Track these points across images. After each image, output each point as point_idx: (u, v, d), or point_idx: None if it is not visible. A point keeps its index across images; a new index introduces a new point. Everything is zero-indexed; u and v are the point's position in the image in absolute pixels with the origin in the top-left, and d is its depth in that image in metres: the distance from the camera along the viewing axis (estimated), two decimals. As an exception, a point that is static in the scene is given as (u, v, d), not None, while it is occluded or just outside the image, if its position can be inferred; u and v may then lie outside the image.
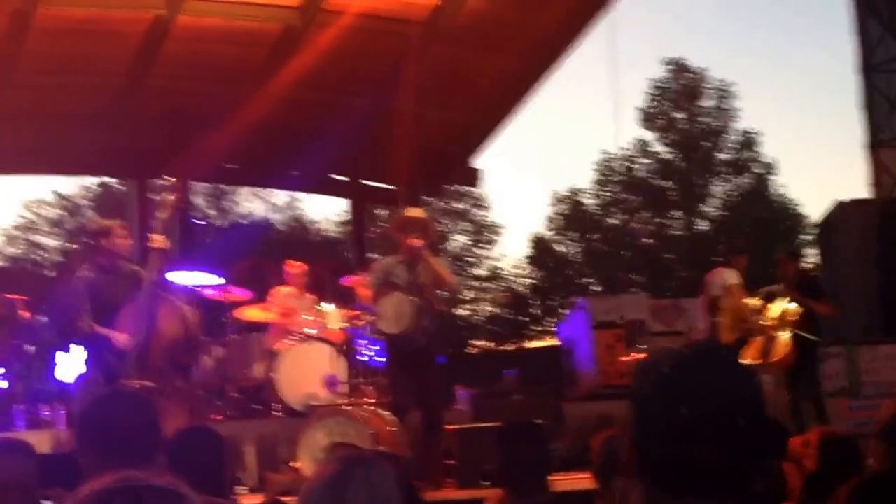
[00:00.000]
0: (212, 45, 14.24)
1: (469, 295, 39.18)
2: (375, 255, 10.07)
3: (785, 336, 10.71)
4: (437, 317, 9.98)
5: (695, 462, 1.98)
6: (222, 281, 11.98)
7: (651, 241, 35.16)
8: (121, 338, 8.27)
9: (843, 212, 15.18)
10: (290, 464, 9.18)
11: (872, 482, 3.69)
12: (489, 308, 40.00)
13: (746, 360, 10.44)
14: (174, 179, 8.67)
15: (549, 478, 4.91)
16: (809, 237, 35.13)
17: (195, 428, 4.94)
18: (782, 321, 10.75)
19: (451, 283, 10.18)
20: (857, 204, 15.41)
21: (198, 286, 11.83)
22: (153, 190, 18.41)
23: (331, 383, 10.26)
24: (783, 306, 10.82)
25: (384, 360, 9.97)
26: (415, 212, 10.20)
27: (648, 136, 39.03)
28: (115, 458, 3.66)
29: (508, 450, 4.81)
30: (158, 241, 8.40)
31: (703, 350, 2.13)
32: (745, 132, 38.74)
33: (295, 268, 12.44)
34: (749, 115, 44.89)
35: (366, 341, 10.51)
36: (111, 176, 28.71)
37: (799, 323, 10.70)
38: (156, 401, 4.16)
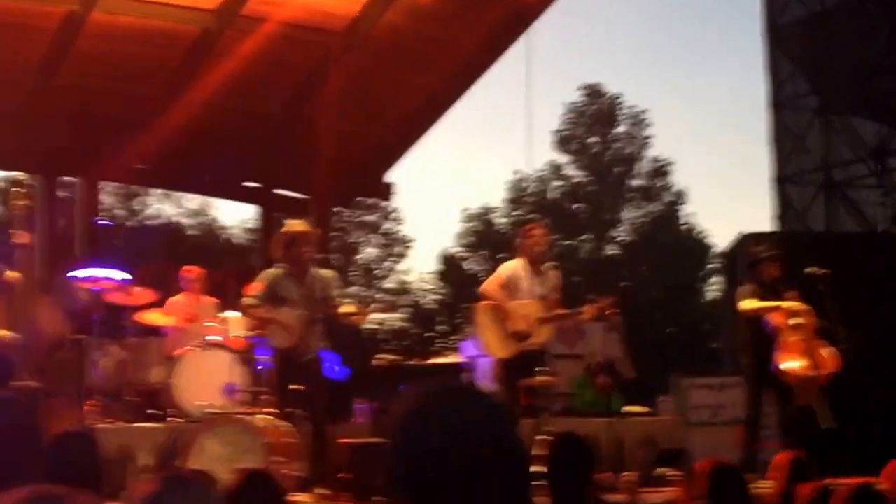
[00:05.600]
0: (126, 44, 14.09)
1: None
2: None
3: (824, 345, 10.20)
4: (330, 329, 10.03)
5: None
6: (125, 283, 11.84)
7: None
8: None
9: (747, 244, 15.38)
10: (184, 471, 9.09)
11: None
12: (399, 322, 39.96)
13: (798, 370, 10.13)
14: (26, 176, 8.51)
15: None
16: (715, 267, 35.59)
17: (69, 432, 4.87)
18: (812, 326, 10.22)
19: (335, 302, 10.07)
20: (760, 236, 15.65)
21: (100, 287, 11.69)
22: (61, 187, 18.23)
23: (229, 391, 10.18)
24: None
25: (272, 368, 9.95)
26: (300, 225, 10.15)
27: (562, 159, 39.39)
28: None
29: None
30: (19, 237, 8.21)
31: (440, 395, 2.14)
32: (657, 160, 39.21)
33: (190, 273, 12.36)
34: (661, 144, 45.44)
35: (267, 350, 10.45)
36: (18, 171, 28.28)
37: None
38: (40, 403, 4.08)
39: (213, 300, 12.12)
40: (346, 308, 10.12)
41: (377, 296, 37.79)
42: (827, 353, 10.18)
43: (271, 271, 9.89)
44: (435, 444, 2.03)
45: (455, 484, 2.00)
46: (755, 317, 10.41)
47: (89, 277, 11.77)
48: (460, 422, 2.05)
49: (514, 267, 10.61)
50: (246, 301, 9.89)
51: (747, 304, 10.44)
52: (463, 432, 2.04)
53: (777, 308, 10.29)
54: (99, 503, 2.13)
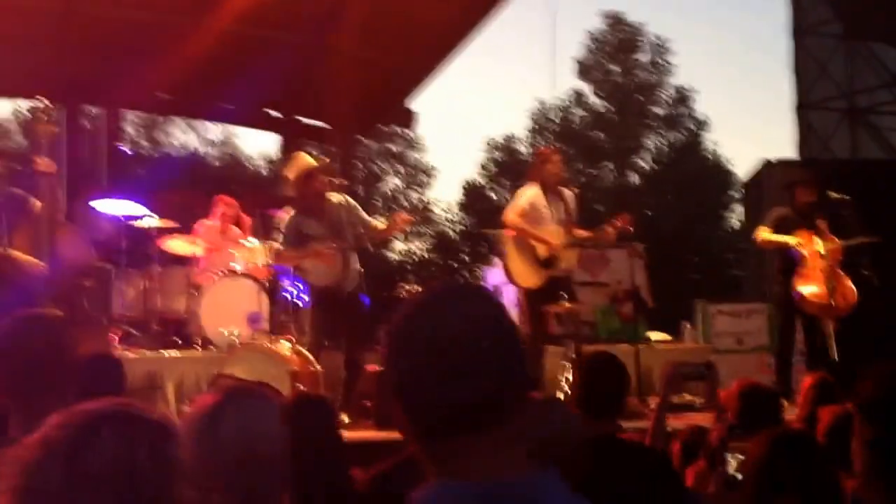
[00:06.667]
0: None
1: (400, 237, 39.18)
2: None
3: (844, 275, 10.20)
4: (361, 258, 9.99)
5: (449, 404, 1.98)
6: (149, 212, 11.86)
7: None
8: (24, 258, 8.13)
9: (769, 171, 15.32)
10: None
11: (787, 438, 3.76)
12: (421, 252, 40.03)
13: (815, 301, 10.14)
14: (47, 102, 8.43)
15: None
16: (737, 195, 35.49)
17: (94, 355, 4.89)
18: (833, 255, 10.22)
19: (367, 224, 9.96)
20: (782, 164, 15.57)
21: (124, 216, 11.71)
22: (84, 116, 18.23)
23: (253, 320, 10.22)
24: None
25: (308, 299, 9.94)
26: (307, 158, 10.02)
27: (584, 87, 39.21)
28: (22, 386, 3.63)
29: None
30: (43, 164, 8.16)
31: (433, 294, 2.13)
32: (679, 88, 39.00)
33: (227, 203, 12.39)
34: (684, 72, 45.19)
35: (291, 279, 10.48)
36: (41, 98, 28.24)
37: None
38: (67, 327, 4.07)
39: (240, 231, 12.16)
40: (379, 224, 10.05)
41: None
42: (847, 285, 10.17)
43: (289, 213, 9.73)
44: (426, 333, 2.02)
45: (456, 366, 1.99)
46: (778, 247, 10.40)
47: (113, 206, 11.81)
48: (454, 311, 2.04)
49: (533, 193, 10.50)
50: (275, 248, 9.80)
51: (763, 234, 10.43)
52: (455, 320, 2.02)
53: (786, 243, 10.28)
54: (171, 424, 2.12)
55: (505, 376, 2.03)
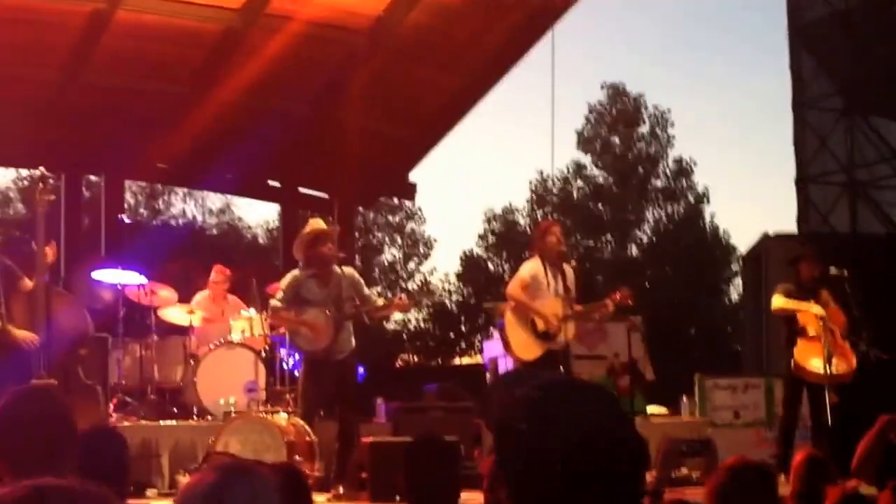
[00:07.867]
0: (150, 42, 14.07)
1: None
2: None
3: (844, 344, 10.24)
4: (357, 328, 10.01)
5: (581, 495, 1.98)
6: (147, 281, 11.87)
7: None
8: (20, 334, 8.14)
9: (768, 245, 15.35)
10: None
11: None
12: (418, 322, 39.94)
13: (812, 370, 10.12)
14: (44, 171, 8.48)
15: (458, 496, 4.89)
16: (737, 268, 35.49)
17: (97, 428, 4.88)
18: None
19: (366, 300, 10.03)
20: (782, 238, 15.60)
21: (122, 285, 11.72)
22: (85, 184, 18.25)
23: (250, 390, 10.21)
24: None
25: (300, 369, 9.97)
26: (321, 223, 10.12)
27: (585, 159, 39.28)
28: (23, 460, 3.60)
29: (415, 466, 4.78)
30: (46, 253, 8.24)
31: (567, 380, 2.15)
32: (678, 161, 39.06)
33: (218, 271, 12.41)
34: (684, 144, 45.36)
35: (287, 349, 10.48)
36: (42, 168, 28.26)
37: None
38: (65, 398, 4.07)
39: (237, 299, 12.16)
40: (378, 301, 10.14)
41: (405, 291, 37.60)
42: (846, 352, 10.17)
43: (293, 273, 9.85)
44: (556, 435, 2.01)
45: (571, 477, 1.98)
46: (787, 316, 10.41)
47: (112, 275, 11.81)
48: (583, 415, 2.04)
49: (534, 267, 10.56)
50: (272, 304, 9.86)
51: (778, 301, 10.44)
52: (586, 425, 2.02)
53: (804, 309, 10.28)
54: (113, 498, 2.09)
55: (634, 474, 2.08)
